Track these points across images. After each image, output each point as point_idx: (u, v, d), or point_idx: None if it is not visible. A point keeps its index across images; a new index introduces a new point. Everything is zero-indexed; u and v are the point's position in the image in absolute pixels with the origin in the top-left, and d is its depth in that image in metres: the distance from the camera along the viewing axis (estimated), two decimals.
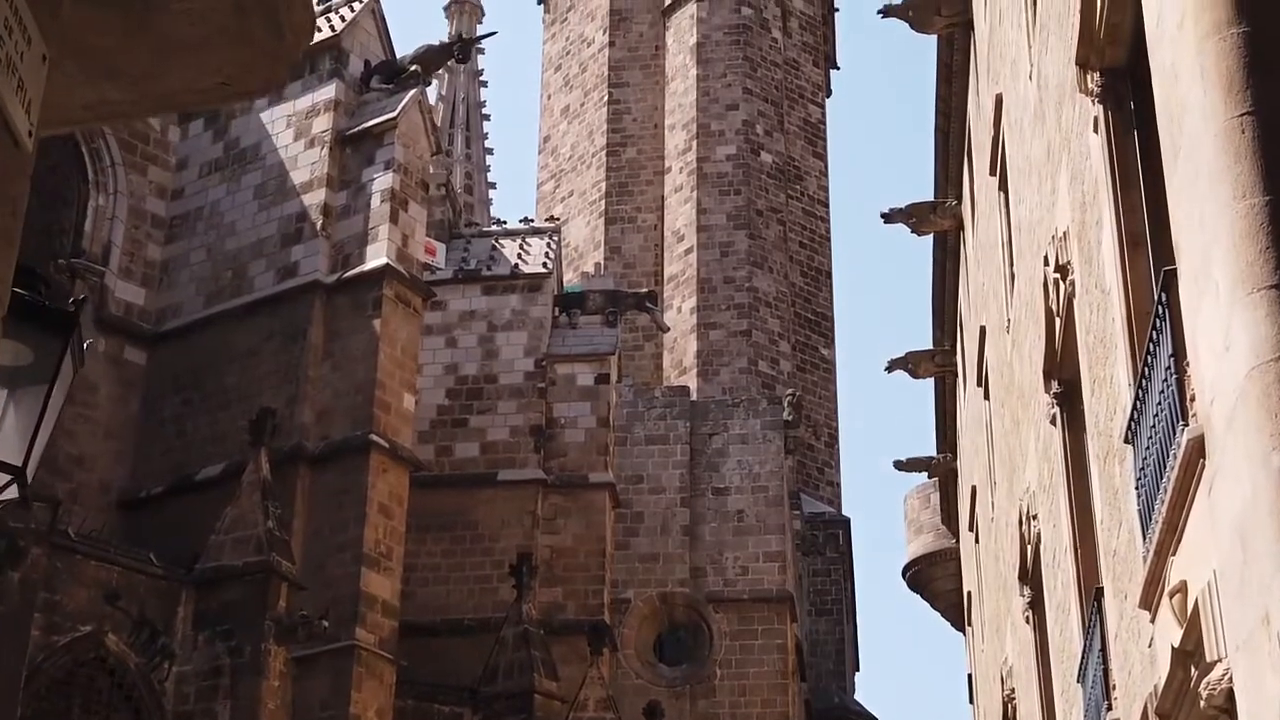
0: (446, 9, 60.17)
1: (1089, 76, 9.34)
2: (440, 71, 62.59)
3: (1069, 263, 10.65)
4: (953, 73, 20.39)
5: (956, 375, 24.87)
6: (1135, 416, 8.02)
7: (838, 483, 44.69)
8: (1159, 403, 7.40)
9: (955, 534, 28.25)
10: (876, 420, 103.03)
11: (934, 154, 22.38)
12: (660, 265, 44.86)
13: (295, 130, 25.29)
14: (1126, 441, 8.35)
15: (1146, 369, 7.64)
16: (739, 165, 45.07)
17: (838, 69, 52.46)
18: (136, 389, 24.97)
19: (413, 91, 24.87)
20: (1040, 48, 11.89)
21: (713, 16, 46.86)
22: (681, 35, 47.26)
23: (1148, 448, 7.75)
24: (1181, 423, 6.92)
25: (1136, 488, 8.14)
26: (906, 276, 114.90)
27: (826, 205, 48.18)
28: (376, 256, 23.77)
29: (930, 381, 26.80)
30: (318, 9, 26.69)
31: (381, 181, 24.22)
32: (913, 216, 22.74)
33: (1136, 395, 7.95)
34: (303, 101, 25.43)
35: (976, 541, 23.18)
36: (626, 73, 48.03)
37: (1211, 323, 6.31)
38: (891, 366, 25.30)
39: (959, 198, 21.94)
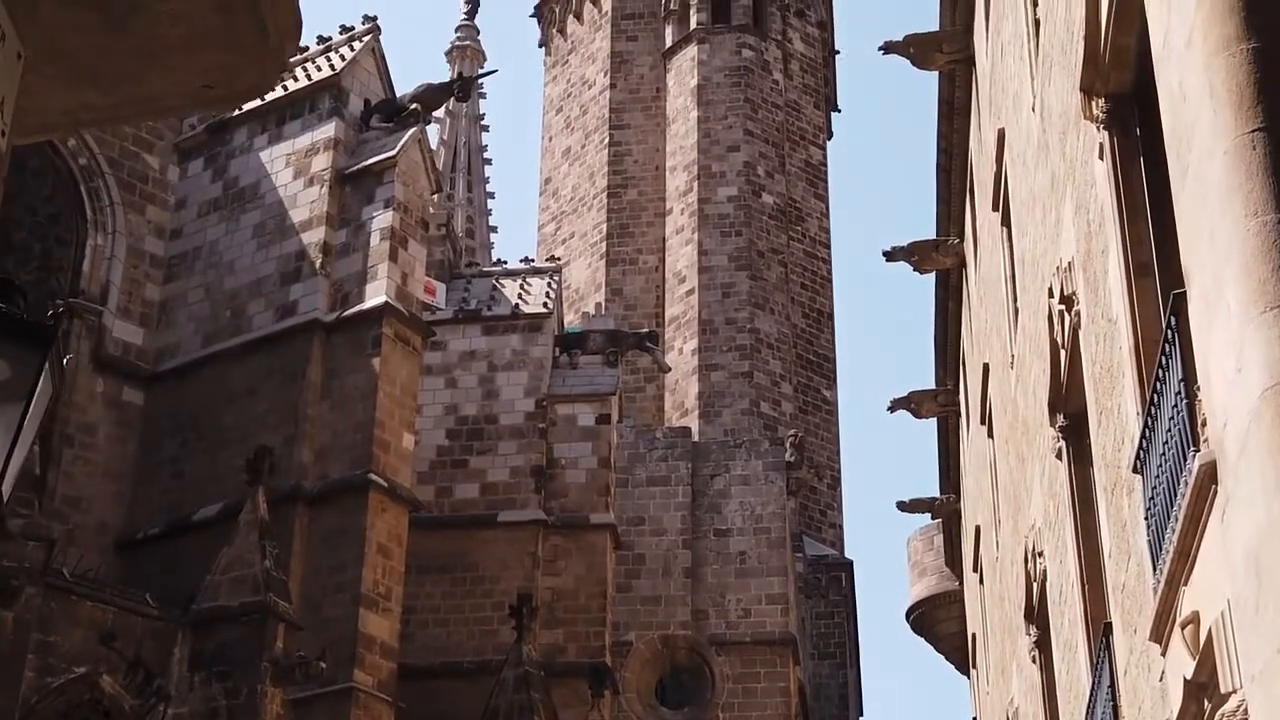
0: (448, 54, 60.34)
1: (1094, 102, 9.25)
2: (441, 115, 62.97)
3: (1074, 293, 10.54)
4: (954, 110, 20.34)
5: (959, 415, 24.75)
6: (1144, 445, 7.89)
7: (840, 525, 44.48)
8: (1169, 429, 7.27)
9: (959, 576, 28.07)
10: (879, 461, 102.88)
11: (935, 191, 22.30)
12: (661, 307, 44.78)
13: (295, 169, 25.22)
14: (1135, 471, 8.22)
15: (1156, 396, 7.52)
16: (740, 206, 45.04)
17: (838, 111, 52.58)
18: (134, 429, 24.82)
19: (413, 130, 24.81)
20: (1043, 78, 11.81)
21: (713, 59, 46.93)
22: (682, 77, 47.32)
23: (1157, 476, 7.61)
24: (1193, 449, 6.79)
25: (1146, 518, 8.01)
26: (908, 316, 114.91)
27: (828, 247, 48.15)
28: (376, 295, 23.66)
29: (933, 422, 26.67)
30: (317, 49, 26.69)
31: (381, 220, 24.15)
32: (915, 254, 22.66)
33: (1145, 423, 7.83)
34: (302, 140, 25.37)
35: (981, 583, 23.00)
36: (627, 114, 48.08)
37: (1223, 344, 6.18)
38: (894, 406, 25.18)
39: (961, 235, 21.88)
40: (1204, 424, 6.66)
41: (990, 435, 19.08)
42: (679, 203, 45.80)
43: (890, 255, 22.76)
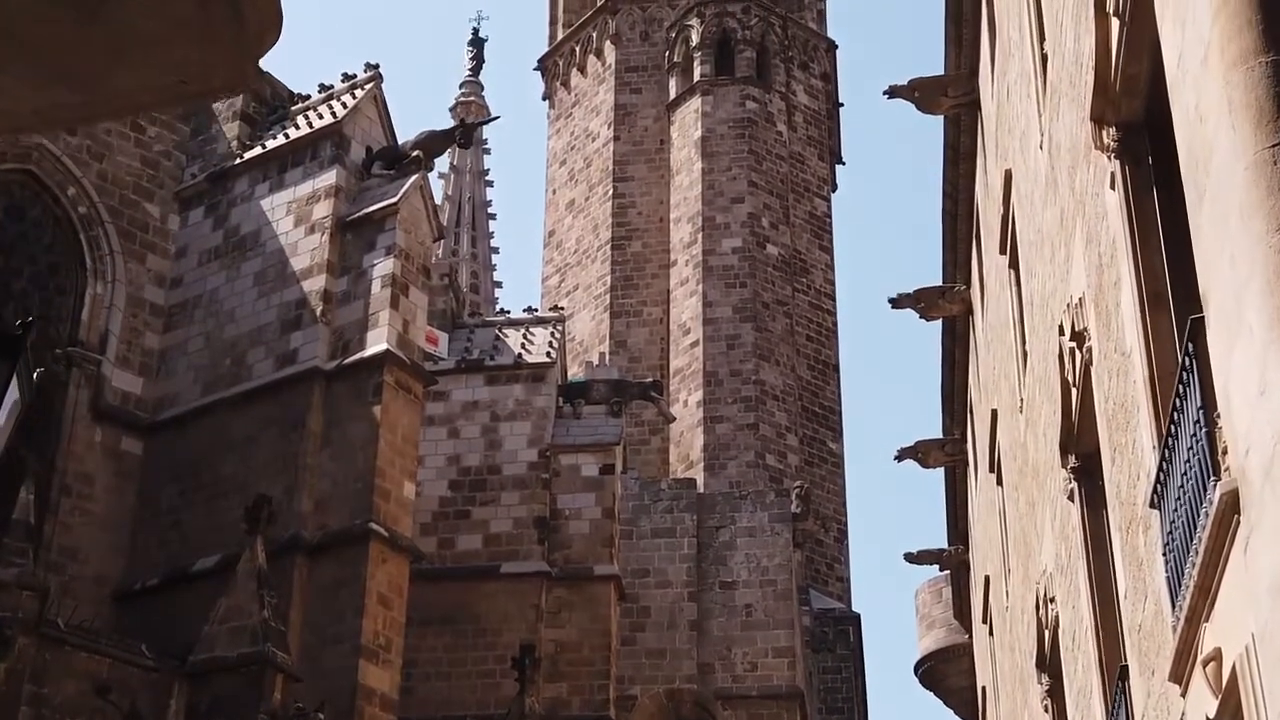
0: (452, 109, 60.55)
1: (1105, 132, 9.11)
2: (446, 171, 63.19)
3: (1085, 329, 10.38)
4: (959, 154, 20.26)
5: (967, 464, 24.60)
6: (1161, 479, 7.70)
7: (847, 578, 44.15)
8: (1187, 460, 7.08)
9: (968, 628, 27.83)
10: (886, 512, 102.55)
11: (941, 237, 22.20)
12: (666, 359, 44.63)
13: (296, 216, 25.10)
14: (1152, 506, 8.02)
15: (1173, 426, 7.33)
16: (745, 258, 44.95)
17: (843, 164, 52.58)
18: (133, 480, 24.61)
19: (414, 177, 24.69)
20: (1051, 114, 11.70)
21: (717, 110, 46.95)
22: (686, 129, 47.34)
23: (1175, 510, 7.41)
24: (1213, 478, 6.60)
25: (1164, 554, 7.80)
26: (914, 366, 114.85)
27: (833, 299, 48.02)
28: (377, 342, 23.48)
29: (940, 472, 26.50)
30: (319, 97, 26.62)
31: (382, 267, 24.00)
32: (921, 301, 22.55)
33: (1163, 456, 7.63)
34: (304, 188, 25.26)
35: (990, 634, 22.76)
36: (631, 167, 48.08)
37: (1245, 367, 5.99)
38: (901, 456, 25.05)
39: (967, 282, 21.77)
40: (1225, 452, 6.48)
41: (999, 483, 18.93)
42: (683, 254, 45.71)
43: (896, 302, 22.62)
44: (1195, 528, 6.95)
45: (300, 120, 26.32)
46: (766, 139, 47.15)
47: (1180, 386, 7.12)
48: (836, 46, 52.33)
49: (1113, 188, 9.00)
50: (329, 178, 25.04)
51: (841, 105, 52.81)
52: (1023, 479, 15.82)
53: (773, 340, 44.37)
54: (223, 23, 4.10)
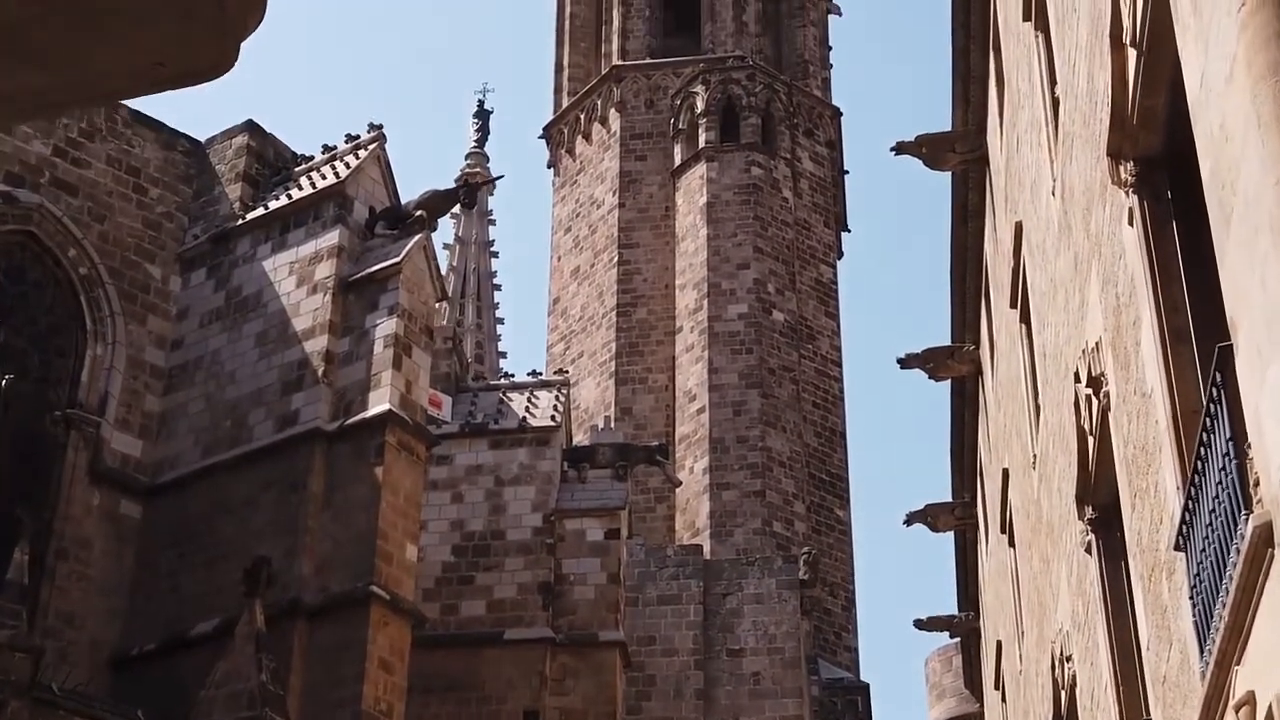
0: (457, 180, 60.61)
1: (1122, 167, 8.93)
2: (451, 242, 63.24)
3: (1103, 374, 10.17)
4: (967, 212, 20.17)
5: (977, 527, 24.38)
6: (1187, 519, 7.46)
7: (855, 647, 43.69)
8: (1216, 496, 6.83)
9: (980, 697, 27.49)
10: (895, 578, 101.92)
11: (950, 296, 22.07)
12: (672, 425, 44.38)
13: (298, 277, 24.94)
14: (1177, 549, 7.76)
15: (1199, 462, 7.09)
16: (751, 324, 44.81)
17: (848, 231, 52.56)
18: (131, 544, 24.32)
19: (418, 237, 24.55)
20: (1064, 158, 11.56)
21: (722, 176, 46.97)
22: (691, 195, 47.35)
23: (1203, 550, 7.16)
24: (1245, 511, 6.34)
25: (1191, 597, 7.54)
26: (922, 431, 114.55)
27: (839, 365, 47.83)
28: (379, 403, 23.24)
29: (950, 537, 26.28)
30: (322, 158, 26.54)
31: (385, 327, 23.81)
32: (929, 362, 22.42)
33: (1188, 495, 7.38)
34: (306, 248, 25.12)
35: (1003, 700, 22.45)
36: (636, 233, 48.05)
37: (1277, 395, 5.75)
38: (910, 520, 24.86)
39: (976, 342, 21.64)
40: (1256, 483, 6.26)
41: (1011, 544, 18.75)
42: (689, 320, 45.59)
43: (905, 363, 22.50)
44: (1225, 566, 6.72)
45: (303, 181, 26.23)
46: (772, 205, 47.13)
47: (1207, 419, 6.89)
48: (841, 114, 52.47)
49: (1131, 224, 8.82)
50: (332, 238, 24.91)
51: (847, 173, 52.89)
52: (1036, 537, 15.64)
53: (779, 406, 44.15)
54: (202, 1, 3.87)
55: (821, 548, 42.44)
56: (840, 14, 54.99)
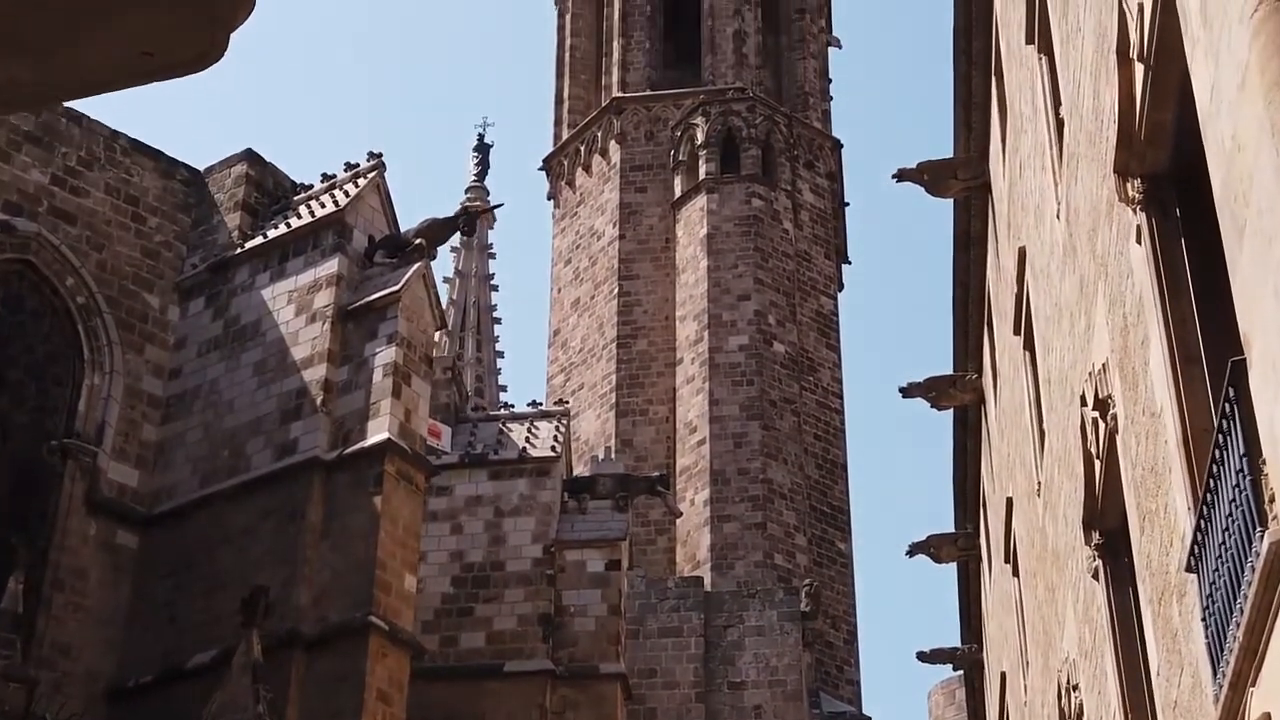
0: (457, 211, 60.52)
1: (1130, 184, 8.84)
2: (451, 275, 63.18)
3: (1110, 395, 10.07)
4: (970, 239, 20.12)
5: (980, 559, 24.26)
6: (1199, 539, 7.33)
7: (858, 681, 43.42)
8: (1229, 514, 6.71)
9: None
10: (897, 611, 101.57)
11: (952, 325, 21.99)
12: (672, 457, 44.21)
13: (296, 306, 24.83)
14: (1189, 570, 7.63)
15: (1211, 480, 6.96)
16: (751, 355, 44.68)
17: (849, 263, 52.49)
18: (128, 574, 24.14)
19: (417, 265, 24.44)
20: (1069, 180, 11.48)
21: (723, 208, 46.92)
22: (692, 227, 47.30)
23: (1216, 570, 7.04)
24: (1260, 529, 6.22)
25: (1203, 619, 7.41)
26: (924, 463, 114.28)
27: (840, 398, 47.69)
28: (378, 432, 23.10)
29: (953, 569, 26.16)
30: (322, 186, 26.46)
31: (384, 355, 23.68)
32: (932, 390, 22.33)
33: (1200, 514, 7.26)
34: (305, 277, 25.02)
35: None
36: (637, 265, 47.97)
37: None
38: (913, 551, 24.73)
39: (979, 370, 21.56)
40: (1272, 499, 6.15)
41: (1015, 573, 18.63)
42: (689, 352, 45.47)
43: (907, 391, 22.40)
44: (1240, 585, 6.61)
45: (302, 209, 26.15)
46: (772, 236, 47.08)
47: (1220, 436, 6.77)
48: (842, 146, 52.48)
49: (1139, 241, 8.73)
50: (330, 266, 24.81)
51: (847, 205, 52.84)
52: (1041, 565, 15.52)
53: (780, 439, 44.00)
54: None
55: (823, 580, 42.24)
56: (840, 46, 55.07)
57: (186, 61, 3.91)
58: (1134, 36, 8.16)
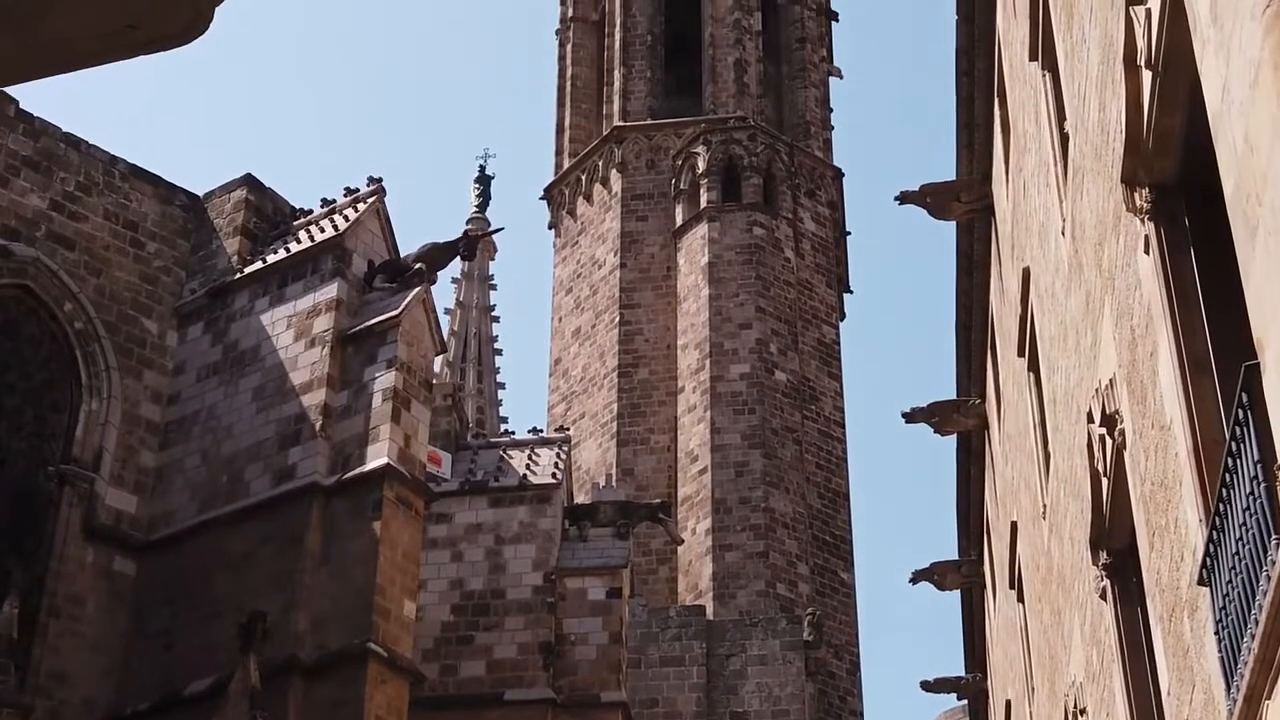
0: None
1: (1137, 194, 8.73)
2: (452, 307, 63.11)
3: (1117, 411, 9.96)
4: (972, 262, 20.06)
5: (984, 586, 24.13)
6: (1211, 550, 7.19)
7: (861, 711, 43.15)
8: (1243, 523, 6.58)
9: None
10: (900, 638, 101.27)
11: (955, 349, 21.91)
12: (674, 487, 44.02)
13: (296, 330, 24.72)
14: (1201, 583, 7.50)
15: (1225, 490, 6.83)
16: (753, 384, 44.56)
17: (850, 293, 52.39)
18: (125, 601, 23.96)
19: (417, 289, 24.33)
20: (1074, 195, 11.41)
21: (724, 236, 46.86)
22: (693, 255, 47.23)
23: (1229, 581, 6.91)
24: (1275, 537, 6.10)
25: (1217, 632, 7.28)
26: (926, 491, 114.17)
27: (843, 426, 47.55)
28: (377, 457, 22.96)
29: (957, 596, 26.04)
30: (321, 211, 26.38)
31: (383, 380, 23.55)
32: (935, 416, 22.25)
33: (1213, 525, 7.13)
34: (304, 302, 24.92)
35: None
36: (638, 294, 47.87)
37: None
38: (916, 578, 24.63)
39: (982, 396, 21.48)
40: None
41: (1020, 599, 18.54)
42: (691, 381, 45.35)
43: (910, 417, 22.31)
44: (1254, 596, 6.47)
45: (302, 234, 26.07)
46: (774, 265, 47.01)
47: (1233, 443, 6.65)
48: (843, 175, 52.46)
49: (1146, 252, 8.63)
50: (330, 291, 24.70)
51: (849, 234, 52.79)
52: (1047, 589, 15.43)
53: (782, 467, 43.85)
54: None
55: (825, 610, 42.03)
56: (841, 76, 55.12)
57: (172, 35, 3.79)
58: (1141, 43, 8.08)
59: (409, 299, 24.20)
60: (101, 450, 24.45)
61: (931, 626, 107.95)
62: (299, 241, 25.87)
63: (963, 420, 22.21)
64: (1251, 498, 6.41)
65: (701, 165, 47.90)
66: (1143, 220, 8.66)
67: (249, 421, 24.46)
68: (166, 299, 26.06)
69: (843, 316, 50.56)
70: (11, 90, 25.73)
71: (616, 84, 51.59)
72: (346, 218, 25.60)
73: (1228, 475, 6.76)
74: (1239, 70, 6.30)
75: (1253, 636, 6.48)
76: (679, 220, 48.19)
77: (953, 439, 23.18)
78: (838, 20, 56.04)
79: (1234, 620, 6.88)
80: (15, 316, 24.75)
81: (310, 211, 26.60)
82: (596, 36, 54.06)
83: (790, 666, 33.47)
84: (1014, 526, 18.48)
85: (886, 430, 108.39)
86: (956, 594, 25.81)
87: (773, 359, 45.37)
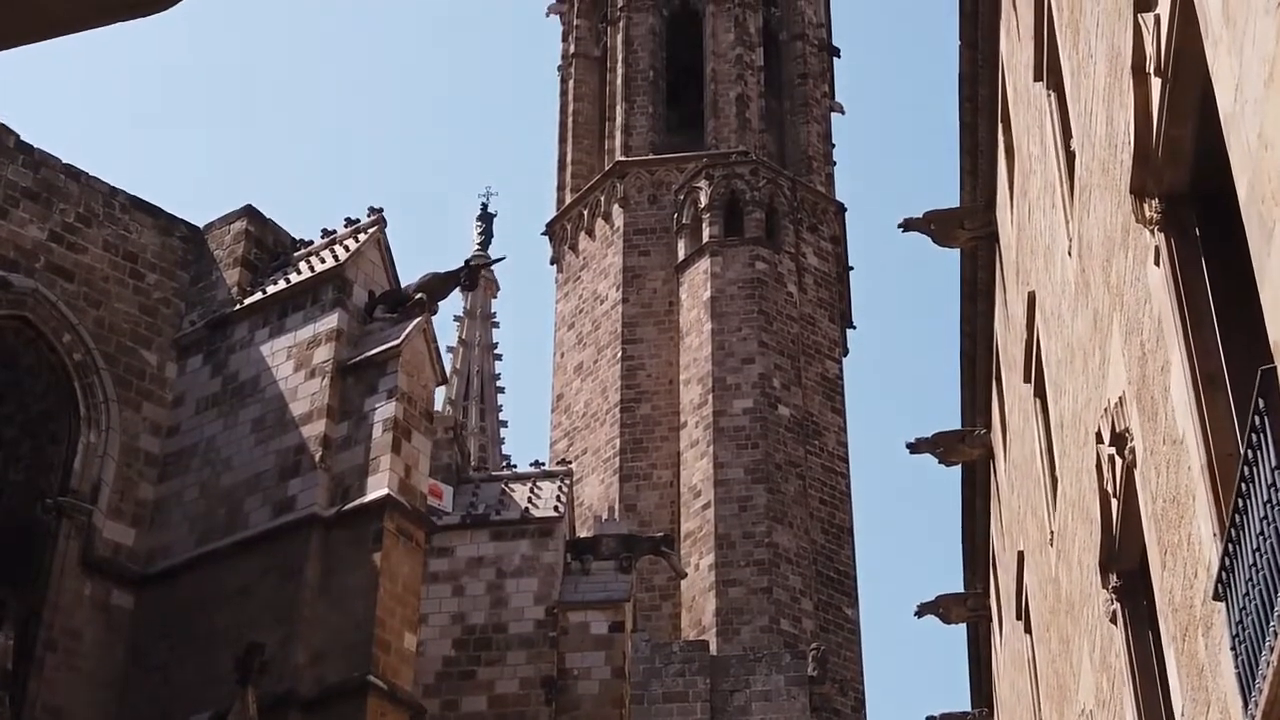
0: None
1: (1147, 205, 8.60)
2: (455, 345, 63.00)
3: (1127, 429, 9.82)
4: (977, 290, 19.98)
5: (990, 620, 23.95)
6: (1227, 564, 7.02)
7: None
8: (1260, 533, 6.43)
9: None
10: (906, 673, 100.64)
11: (959, 379, 21.81)
12: (677, 522, 43.80)
13: (296, 361, 24.56)
14: (1216, 598, 7.33)
15: (1240, 500, 6.67)
16: (756, 419, 44.40)
17: (853, 328, 52.26)
18: (122, 634, 23.72)
19: (417, 319, 24.18)
20: (1081, 214, 11.30)
21: (727, 271, 46.78)
22: (695, 290, 47.14)
23: (1246, 594, 6.76)
24: None
25: (1233, 648, 7.11)
26: (931, 525, 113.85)
27: (846, 461, 47.36)
28: (377, 487, 22.76)
29: (962, 631, 25.87)
30: (322, 242, 26.27)
31: (384, 411, 23.38)
32: (940, 446, 22.11)
33: (1228, 537, 6.96)
34: (304, 332, 24.77)
35: None
36: (640, 329, 47.75)
37: None
38: (921, 611, 24.45)
39: (988, 426, 21.35)
40: None
41: (1028, 630, 18.38)
42: (693, 416, 45.18)
43: (915, 447, 22.18)
44: (1273, 607, 6.32)
45: (302, 265, 25.94)
46: (777, 299, 46.91)
47: (1249, 451, 6.49)
48: (845, 209, 52.41)
49: (1157, 263, 8.49)
50: (330, 321, 24.55)
51: (851, 269, 52.72)
52: (1055, 617, 15.28)
53: (786, 502, 43.65)
54: None
55: (830, 646, 41.74)
56: (843, 112, 55.23)
57: (149, 3, 3.63)
58: (1150, 49, 7.96)
59: (410, 329, 24.06)
60: (100, 482, 24.26)
61: (937, 661, 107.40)
62: (299, 272, 25.75)
63: (968, 450, 22.08)
64: (1269, 506, 6.27)
65: (704, 200, 47.85)
66: (1153, 232, 8.54)
67: (248, 453, 24.27)
68: (166, 330, 25.91)
69: (846, 352, 50.42)
70: (11, 123, 25.66)
71: (618, 119, 51.61)
72: (347, 248, 25.48)
73: (1243, 485, 6.61)
74: (1253, 67, 6.20)
75: (1271, 649, 6.33)
76: (681, 255, 48.11)
77: (957, 471, 23.04)
78: (839, 56, 56.18)
79: (1251, 634, 6.74)
80: (14, 348, 24.60)
81: (311, 242, 26.48)
82: (598, 72, 54.15)
83: (795, 702, 33.19)
84: (1020, 556, 18.34)
85: (891, 464, 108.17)
86: (962, 628, 25.65)
87: (776, 394, 45.21)
